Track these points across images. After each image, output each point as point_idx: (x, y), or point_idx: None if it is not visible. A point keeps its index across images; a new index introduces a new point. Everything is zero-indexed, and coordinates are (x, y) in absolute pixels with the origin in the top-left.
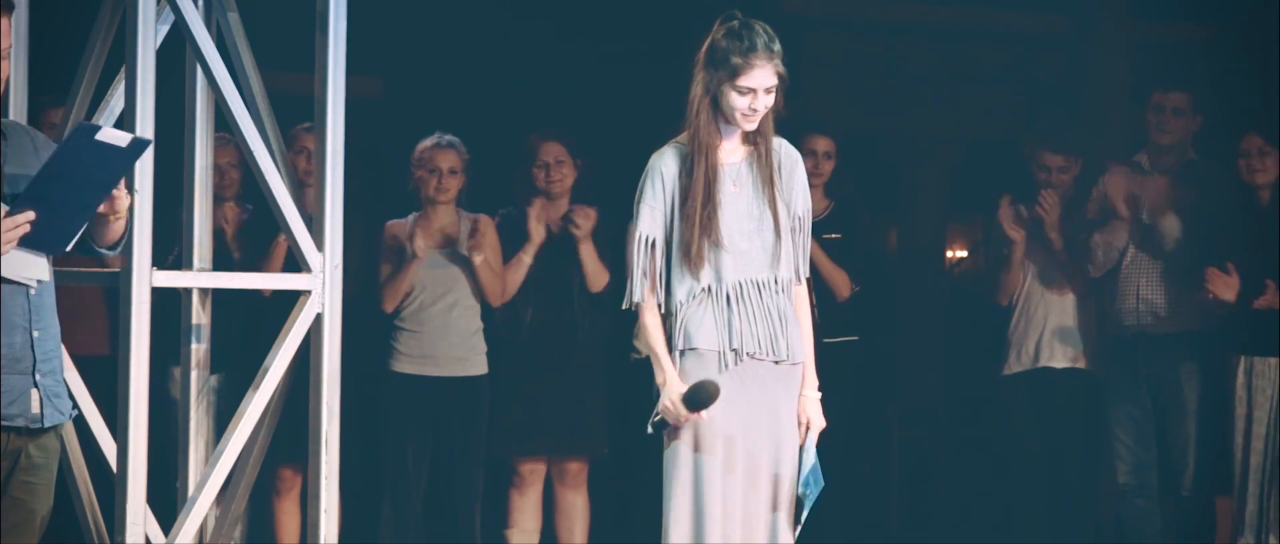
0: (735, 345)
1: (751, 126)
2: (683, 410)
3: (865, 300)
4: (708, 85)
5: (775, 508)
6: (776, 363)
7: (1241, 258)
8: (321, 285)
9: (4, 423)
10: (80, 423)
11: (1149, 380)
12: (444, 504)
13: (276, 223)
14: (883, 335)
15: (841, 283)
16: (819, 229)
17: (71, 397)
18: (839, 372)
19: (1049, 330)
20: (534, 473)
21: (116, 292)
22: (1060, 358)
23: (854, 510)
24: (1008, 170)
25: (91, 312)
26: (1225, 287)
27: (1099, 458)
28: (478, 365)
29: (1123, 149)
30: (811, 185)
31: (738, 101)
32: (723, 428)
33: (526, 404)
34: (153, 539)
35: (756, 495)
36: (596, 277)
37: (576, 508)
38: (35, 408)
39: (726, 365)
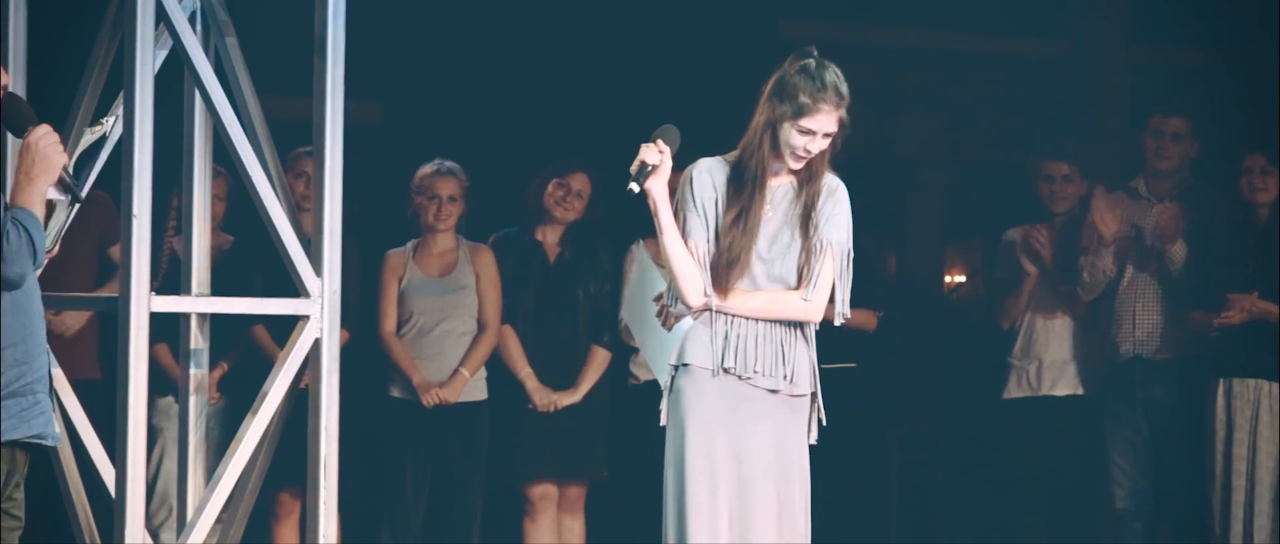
0: (727, 365)
1: (798, 166)
2: (655, 146)
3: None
4: (770, 117)
5: (783, 537)
6: (773, 392)
7: (1240, 279)
8: (320, 310)
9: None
10: (77, 447)
11: (1146, 406)
12: (443, 529)
13: (258, 253)
14: (881, 360)
15: (868, 319)
16: None
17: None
18: (837, 397)
19: (1050, 357)
20: (545, 498)
21: (106, 316)
22: (1062, 386)
23: (853, 535)
24: (1006, 195)
25: (82, 336)
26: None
27: (1097, 483)
28: (477, 391)
29: (1121, 174)
30: None
31: (796, 140)
32: (710, 449)
33: (533, 430)
34: None
35: (754, 524)
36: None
37: (574, 533)
38: None
39: (717, 376)
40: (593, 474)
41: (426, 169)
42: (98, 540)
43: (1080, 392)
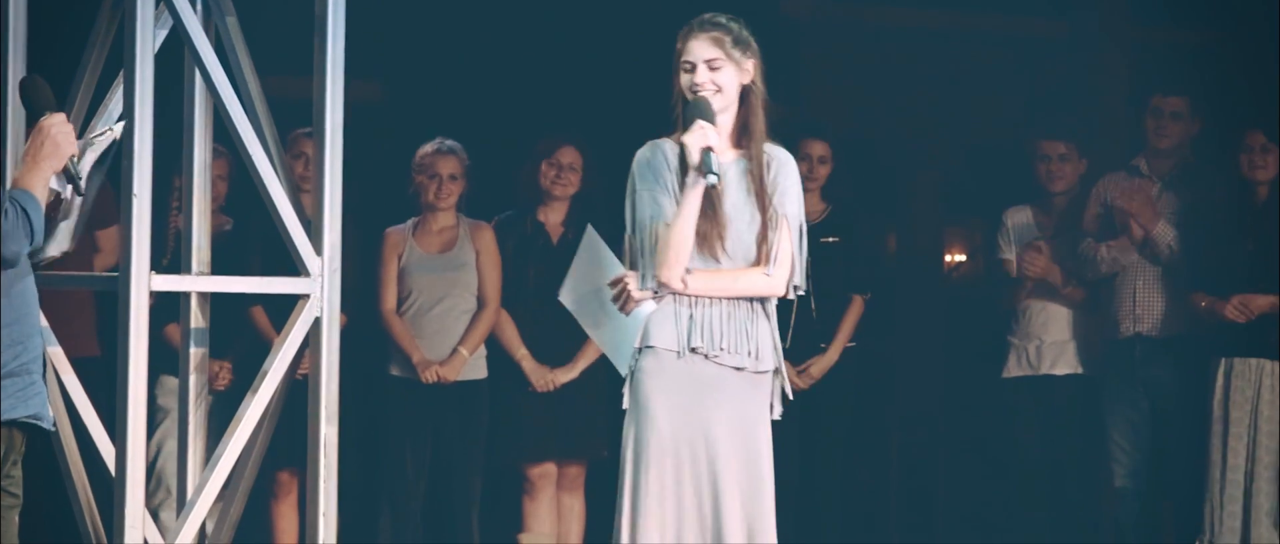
0: (693, 345)
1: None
2: (699, 129)
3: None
4: (678, 75)
5: (749, 521)
6: (738, 370)
7: (1241, 257)
8: (320, 289)
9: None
10: (77, 425)
11: (1146, 384)
12: (443, 508)
13: (258, 234)
14: (881, 340)
15: (855, 312)
16: (816, 233)
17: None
18: (837, 377)
19: (1050, 336)
20: (544, 477)
21: (104, 294)
22: (1061, 365)
23: (853, 514)
24: (1007, 174)
25: (80, 313)
26: (1238, 312)
27: (1096, 461)
28: (476, 370)
29: (1122, 153)
30: (807, 189)
31: (684, 79)
32: (672, 432)
33: (534, 409)
34: (150, 542)
35: (724, 502)
36: None
37: (573, 511)
38: None
39: (683, 357)
40: (592, 453)
41: (427, 148)
42: (97, 519)
43: (1080, 371)
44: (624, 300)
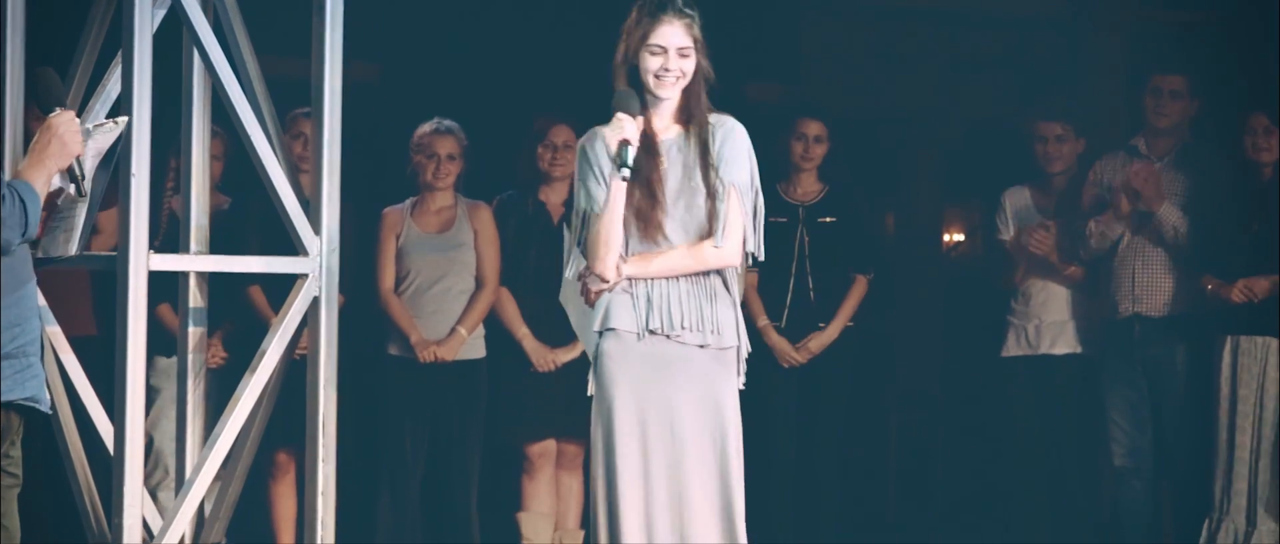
0: (652, 326)
1: (666, 94)
2: (617, 122)
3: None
4: (625, 57)
5: (721, 496)
6: (701, 347)
7: (1244, 238)
8: (318, 269)
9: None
10: (76, 405)
11: (1144, 364)
12: (441, 488)
13: (255, 213)
14: (880, 320)
15: (858, 292)
16: (814, 213)
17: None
18: (836, 356)
19: (1049, 316)
20: (543, 456)
21: (101, 274)
22: (1061, 345)
23: (851, 493)
24: (1006, 154)
25: (77, 293)
26: (1244, 295)
27: (1096, 441)
28: (475, 349)
29: (1121, 133)
30: (804, 169)
31: (650, 62)
32: (639, 412)
33: (533, 388)
34: (149, 522)
35: (688, 482)
36: None
37: (572, 490)
38: None
39: (643, 339)
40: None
41: (425, 128)
42: (96, 498)
43: (1079, 350)
44: (587, 294)
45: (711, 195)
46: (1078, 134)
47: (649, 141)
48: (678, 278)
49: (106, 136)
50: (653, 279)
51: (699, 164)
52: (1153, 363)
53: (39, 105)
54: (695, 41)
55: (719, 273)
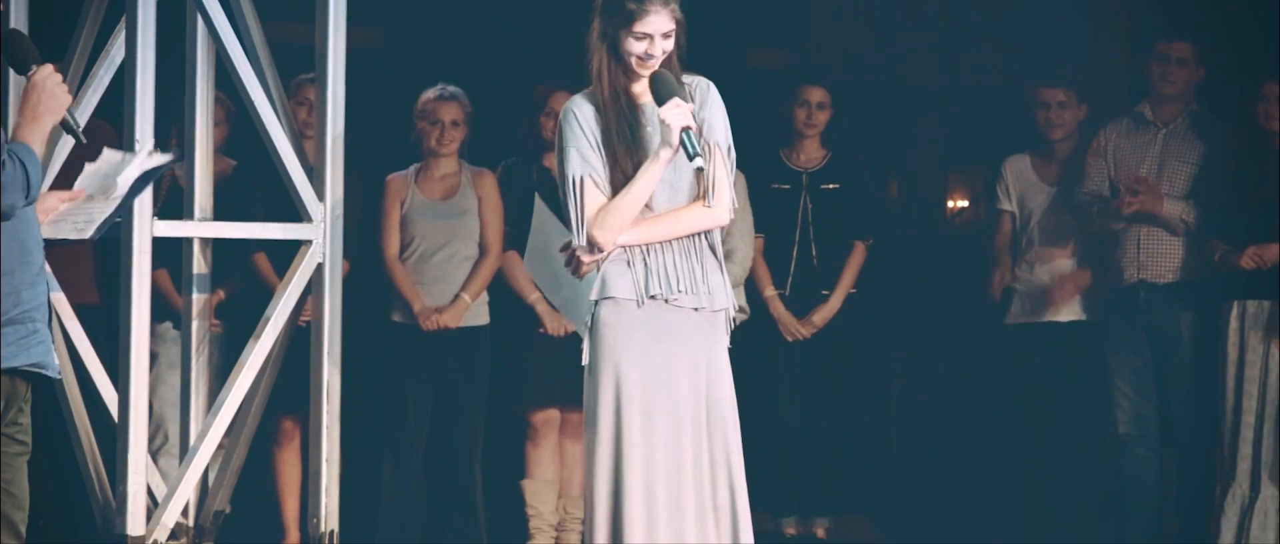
0: (652, 292)
1: (647, 73)
2: (676, 107)
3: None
4: (604, 31)
5: (717, 463)
6: (696, 310)
7: (1253, 206)
8: (322, 235)
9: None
10: (81, 372)
11: (1149, 331)
12: (445, 455)
13: (260, 177)
14: (883, 286)
15: (857, 258)
16: (816, 180)
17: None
18: (839, 323)
19: (1053, 284)
20: (547, 423)
21: (104, 241)
22: (1065, 312)
23: (854, 460)
24: (1009, 120)
25: (79, 260)
26: (1254, 261)
27: (1099, 408)
28: (479, 316)
29: (1124, 100)
30: (806, 136)
31: (634, 47)
32: (642, 378)
33: (537, 355)
34: (154, 488)
35: (685, 446)
36: None
37: (576, 457)
38: None
39: (643, 305)
40: None
41: (429, 94)
42: (100, 465)
43: (1083, 317)
44: (576, 266)
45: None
46: (1080, 100)
47: (631, 108)
48: (671, 242)
49: (152, 162)
50: (648, 245)
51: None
52: (1158, 329)
53: (14, 68)
54: (677, 22)
55: (706, 236)
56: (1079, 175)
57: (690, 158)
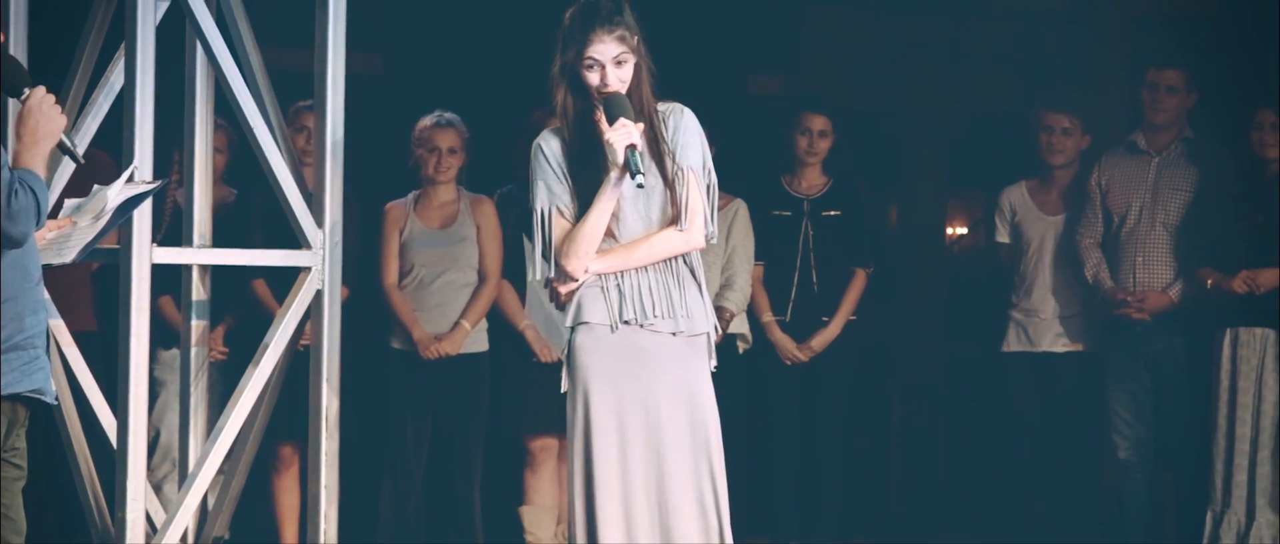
0: (625, 317)
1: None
2: (622, 127)
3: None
4: (563, 66)
5: (702, 485)
6: (674, 334)
7: (1246, 232)
8: (321, 262)
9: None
10: (79, 399)
11: (1147, 357)
12: (444, 481)
13: (259, 204)
14: (882, 314)
15: (858, 285)
16: (818, 206)
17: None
18: (838, 350)
19: (1051, 314)
20: (546, 450)
21: (104, 268)
22: (1062, 341)
23: (854, 485)
24: (1009, 147)
25: (78, 287)
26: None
27: (1097, 435)
28: (478, 342)
29: (1124, 126)
30: (808, 163)
31: (589, 77)
32: (615, 403)
33: (535, 382)
34: (152, 515)
35: (666, 471)
36: None
37: None
38: None
39: (617, 330)
40: None
41: (426, 121)
42: (99, 492)
43: (1080, 347)
44: (554, 296)
45: (670, 183)
46: (1084, 130)
47: (598, 138)
48: (646, 267)
49: (138, 186)
50: (622, 271)
51: (655, 155)
52: (1155, 356)
53: (7, 92)
54: (630, 46)
55: (685, 259)
56: (1077, 207)
57: (632, 176)
